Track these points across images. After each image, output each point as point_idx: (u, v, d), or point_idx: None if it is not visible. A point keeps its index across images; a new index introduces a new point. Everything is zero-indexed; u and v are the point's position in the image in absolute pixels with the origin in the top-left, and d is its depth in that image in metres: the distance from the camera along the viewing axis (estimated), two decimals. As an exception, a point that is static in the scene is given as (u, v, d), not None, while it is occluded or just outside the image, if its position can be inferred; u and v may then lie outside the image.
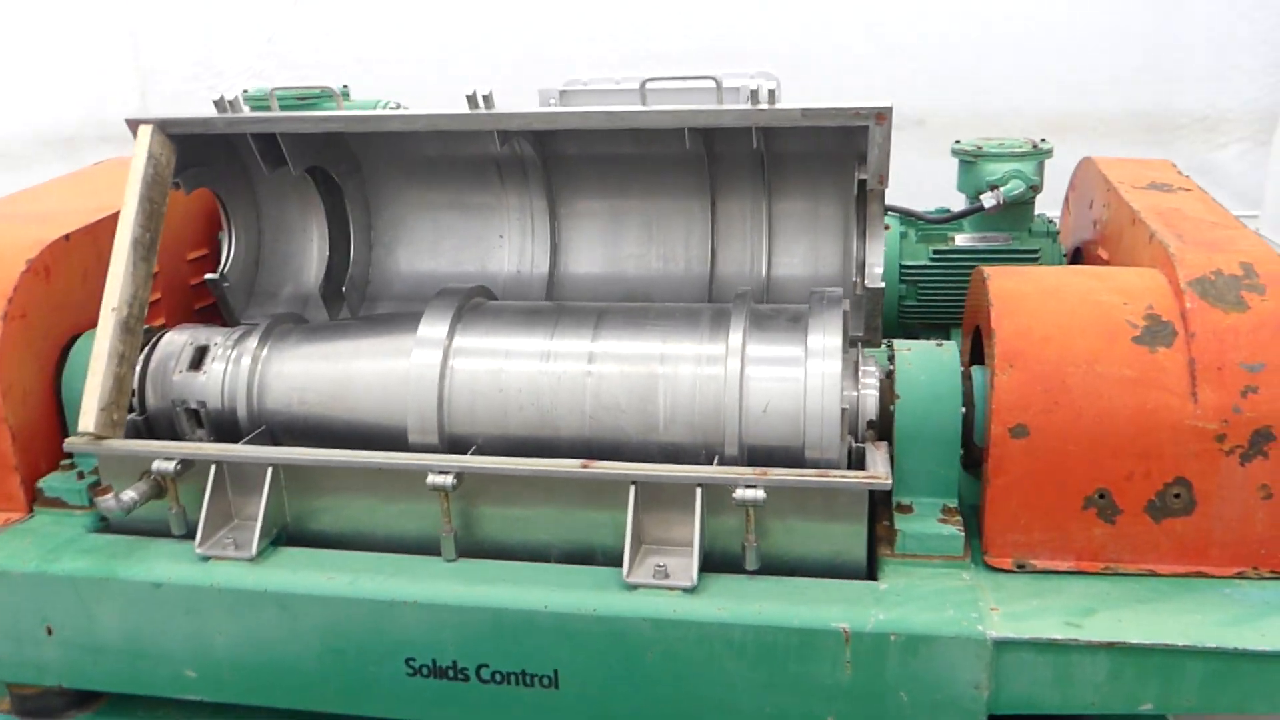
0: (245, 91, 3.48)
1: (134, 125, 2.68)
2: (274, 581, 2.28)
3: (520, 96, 2.89)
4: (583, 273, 3.11)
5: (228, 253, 3.11)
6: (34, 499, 2.64)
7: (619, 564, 2.29)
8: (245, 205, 3.16)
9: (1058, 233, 3.19)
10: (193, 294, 3.35)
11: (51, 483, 2.64)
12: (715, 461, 2.29)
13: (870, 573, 2.26)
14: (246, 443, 2.50)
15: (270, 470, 2.39)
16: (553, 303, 2.60)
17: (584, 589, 2.19)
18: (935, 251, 3.20)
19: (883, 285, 2.67)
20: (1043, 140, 3.23)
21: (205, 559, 2.36)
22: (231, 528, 2.46)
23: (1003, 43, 5.31)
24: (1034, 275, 2.37)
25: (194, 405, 2.63)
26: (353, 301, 3.13)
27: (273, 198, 3.23)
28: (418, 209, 3.21)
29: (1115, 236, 2.77)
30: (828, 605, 2.10)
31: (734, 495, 2.14)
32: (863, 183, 2.51)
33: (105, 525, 2.59)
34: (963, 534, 2.23)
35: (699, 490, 2.20)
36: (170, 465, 2.39)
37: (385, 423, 2.46)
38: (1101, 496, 2.16)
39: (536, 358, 2.42)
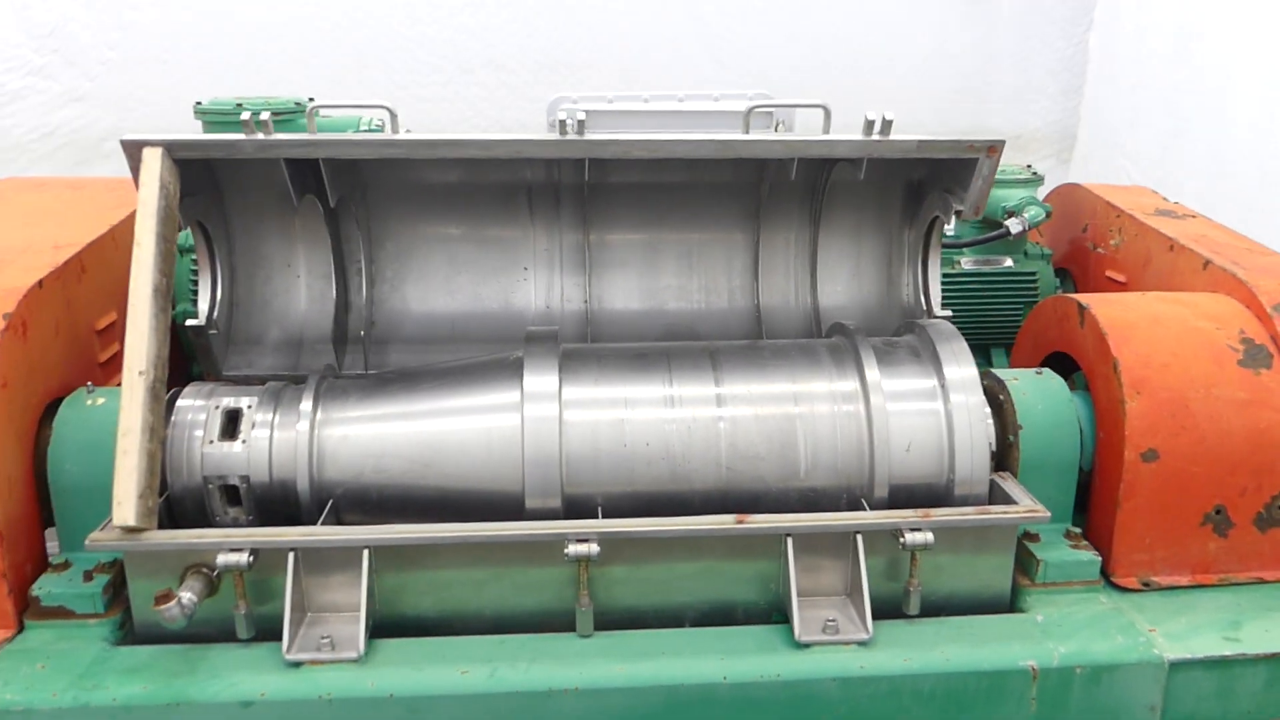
0: (199, 104, 3.03)
1: (134, 148, 2.24)
2: (397, 684, 1.96)
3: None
4: (619, 308, 2.92)
5: (211, 296, 2.66)
6: (23, 609, 2.13)
7: (763, 621, 2.19)
8: (220, 239, 2.73)
9: (1050, 255, 3.35)
10: (143, 343, 2.84)
11: (51, 588, 2.13)
12: (865, 505, 2.21)
13: (1010, 604, 2.26)
14: (324, 522, 2.14)
15: (366, 553, 2.06)
16: (659, 344, 2.41)
17: (757, 653, 2.05)
18: (944, 275, 3.26)
19: (949, 313, 2.70)
20: (1028, 166, 3.39)
21: (296, 664, 1.99)
22: (309, 623, 2.10)
23: (830, 65, 5.53)
24: (1130, 303, 2.47)
25: (234, 481, 2.22)
26: (368, 347, 2.77)
27: (246, 230, 2.81)
28: (428, 241, 2.89)
29: (1138, 261, 2.95)
30: (1007, 644, 2.08)
31: (904, 540, 2.08)
32: (950, 213, 2.53)
33: (126, 635, 2.14)
34: (1099, 558, 2.28)
35: (859, 538, 2.12)
36: (241, 558, 2.01)
37: (488, 488, 2.18)
38: (1218, 512, 2.28)
39: (661, 405, 2.23)
